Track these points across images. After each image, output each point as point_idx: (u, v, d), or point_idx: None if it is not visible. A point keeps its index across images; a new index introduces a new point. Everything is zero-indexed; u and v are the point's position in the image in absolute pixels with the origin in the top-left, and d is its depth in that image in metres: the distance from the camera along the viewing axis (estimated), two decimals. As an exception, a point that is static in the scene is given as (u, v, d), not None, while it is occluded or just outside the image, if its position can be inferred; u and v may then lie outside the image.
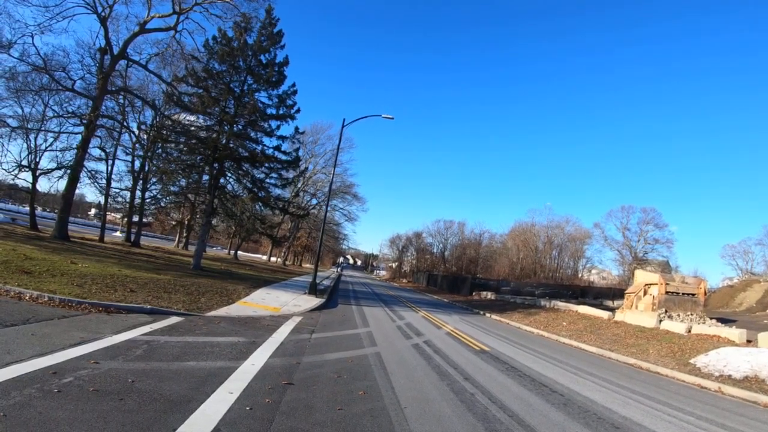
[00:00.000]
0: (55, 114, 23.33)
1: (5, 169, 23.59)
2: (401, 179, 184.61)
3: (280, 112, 21.50)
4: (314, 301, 15.73)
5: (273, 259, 54.88)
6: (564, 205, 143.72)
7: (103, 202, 30.55)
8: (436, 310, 21.31)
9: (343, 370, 6.33)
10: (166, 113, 24.92)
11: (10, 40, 19.30)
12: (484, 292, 34.14)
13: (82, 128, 22.19)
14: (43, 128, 23.79)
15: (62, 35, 59.28)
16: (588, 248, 54.21)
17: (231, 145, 20.59)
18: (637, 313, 16.70)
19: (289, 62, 21.41)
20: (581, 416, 5.54)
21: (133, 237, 29.67)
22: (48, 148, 24.71)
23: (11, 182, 26.24)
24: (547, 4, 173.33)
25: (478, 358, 9.09)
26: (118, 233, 42.11)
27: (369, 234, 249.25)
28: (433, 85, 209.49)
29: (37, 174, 24.24)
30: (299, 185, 44.43)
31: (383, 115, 20.10)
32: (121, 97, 24.92)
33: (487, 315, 21.69)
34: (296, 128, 22.50)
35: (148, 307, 8.52)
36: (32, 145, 23.82)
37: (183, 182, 23.62)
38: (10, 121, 22.44)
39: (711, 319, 16.25)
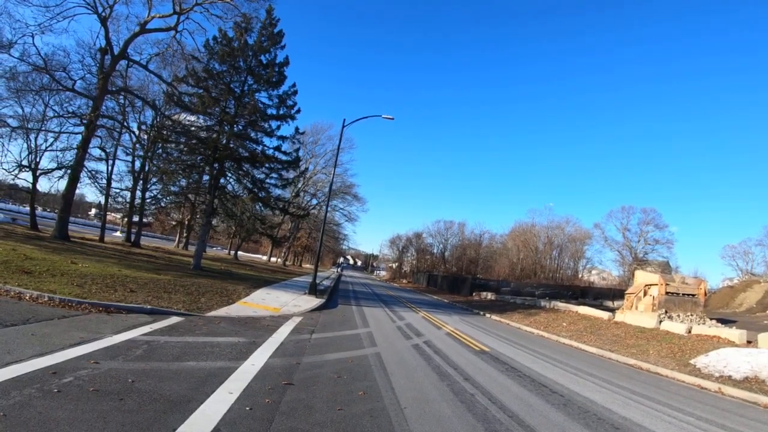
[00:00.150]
0: (56, 114, 23.40)
1: (5, 169, 23.67)
2: (401, 179, 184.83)
3: (281, 112, 21.52)
4: (314, 302, 15.73)
5: (273, 259, 54.89)
6: (564, 205, 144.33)
7: (103, 202, 30.63)
8: (436, 311, 21.31)
9: (343, 371, 6.33)
10: (166, 113, 24.93)
11: (11, 40, 19.35)
12: (484, 293, 34.11)
13: (82, 128, 22.22)
14: (43, 128, 23.85)
15: (63, 35, 59.52)
16: (588, 249, 54.32)
17: (231, 146, 20.60)
18: (637, 314, 16.69)
19: (290, 62, 21.44)
20: (581, 417, 5.55)
21: (133, 237, 29.68)
22: (48, 148, 24.80)
23: (11, 182, 26.27)
24: (547, 5, 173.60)
25: (478, 358, 9.09)
26: (118, 233, 42.09)
27: (369, 234, 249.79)
28: (433, 85, 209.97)
29: (38, 174, 24.27)
30: (299, 185, 44.42)
31: (383, 116, 20.10)
32: (121, 97, 24.94)
33: (487, 315, 21.68)
34: (296, 128, 22.55)
35: (148, 307, 8.52)
36: (32, 145, 23.89)
37: (183, 182, 23.64)
38: (10, 121, 22.53)
39: (711, 319, 16.23)
